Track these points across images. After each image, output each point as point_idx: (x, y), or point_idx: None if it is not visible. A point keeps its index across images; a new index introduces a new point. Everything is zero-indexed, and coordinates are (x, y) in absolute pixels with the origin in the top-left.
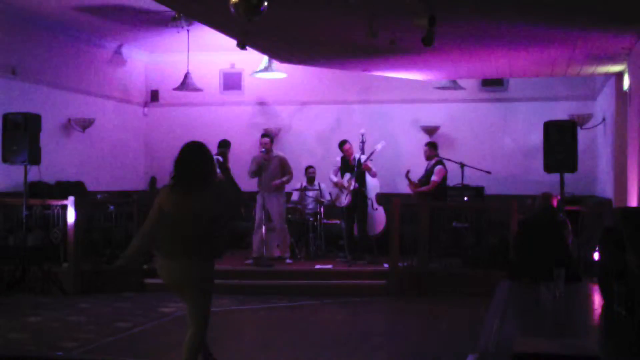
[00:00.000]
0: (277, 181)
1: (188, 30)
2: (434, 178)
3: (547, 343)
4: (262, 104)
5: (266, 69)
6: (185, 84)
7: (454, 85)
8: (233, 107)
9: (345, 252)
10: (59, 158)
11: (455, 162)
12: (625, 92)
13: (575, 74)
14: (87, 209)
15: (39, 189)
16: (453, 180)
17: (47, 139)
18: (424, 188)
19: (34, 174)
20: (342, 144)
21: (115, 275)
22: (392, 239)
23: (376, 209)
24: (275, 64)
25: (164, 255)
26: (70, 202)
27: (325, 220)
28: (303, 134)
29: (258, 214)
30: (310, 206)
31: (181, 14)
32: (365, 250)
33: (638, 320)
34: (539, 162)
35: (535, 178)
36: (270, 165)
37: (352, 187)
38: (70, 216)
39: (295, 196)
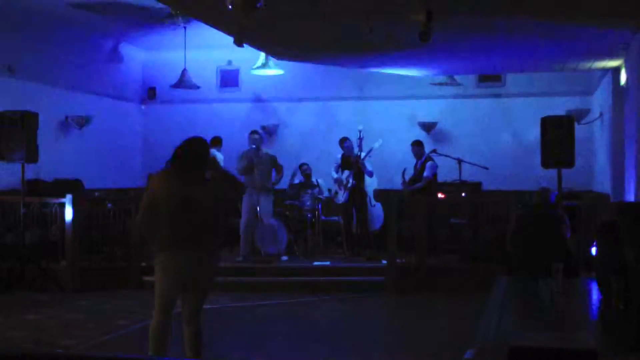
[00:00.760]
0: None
1: (185, 28)
2: (426, 174)
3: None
4: (259, 100)
5: (263, 66)
6: (183, 81)
7: (451, 81)
8: (230, 104)
9: (342, 248)
10: (57, 156)
11: (453, 158)
12: (622, 87)
13: (573, 69)
14: (85, 207)
15: (37, 186)
16: (450, 176)
17: (45, 136)
18: (417, 185)
19: (31, 171)
20: (342, 141)
21: (113, 273)
22: (389, 235)
23: (374, 205)
24: (272, 60)
25: (169, 247)
26: (68, 199)
27: (323, 217)
28: (300, 130)
29: (246, 213)
30: (308, 203)
31: (178, 11)
32: (363, 247)
33: (635, 314)
34: (536, 157)
35: (533, 173)
36: (262, 164)
37: (349, 185)
38: (68, 214)
39: (292, 193)
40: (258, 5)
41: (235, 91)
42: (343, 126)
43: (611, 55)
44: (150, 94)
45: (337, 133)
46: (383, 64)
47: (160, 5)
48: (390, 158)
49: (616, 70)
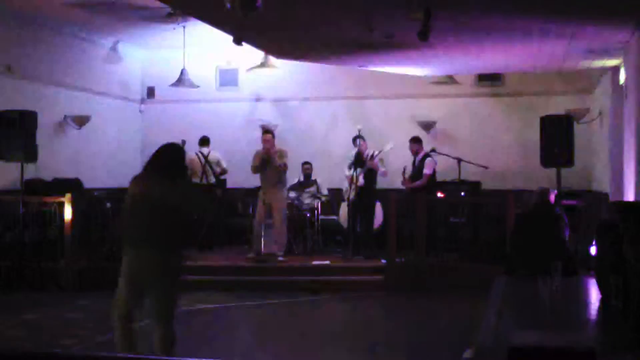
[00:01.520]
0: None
1: (184, 27)
2: (426, 171)
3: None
4: (258, 100)
5: (262, 65)
6: (182, 81)
7: (450, 80)
8: (229, 104)
9: (342, 248)
10: (56, 155)
11: (452, 157)
12: (621, 86)
13: (572, 68)
14: (84, 206)
15: (36, 186)
16: (450, 175)
17: (44, 136)
18: (417, 183)
19: (30, 171)
20: (355, 138)
21: (112, 272)
22: (389, 234)
23: (373, 204)
24: (272, 60)
25: (127, 245)
26: (67, 199)
27: (322, 216)
28: (299, 129)
29: (259, 210)
30: (307, 202)
31: (177, 10)
32: (363, 246)
33: (634, 313)
34: (535, 156)
35: (532, 173)
36: (273, 160)
37: (359, 184)
38: (67, 213)
39: (291, 192)
40: (257, 4)
41: (234, 90)
42: (342, 125)
43: (610, 55)
44: (149, 93)
45: (336, 132)
46: (382, 63)
47: (160, 4)
48: (389, 157)
49: (615, 70)
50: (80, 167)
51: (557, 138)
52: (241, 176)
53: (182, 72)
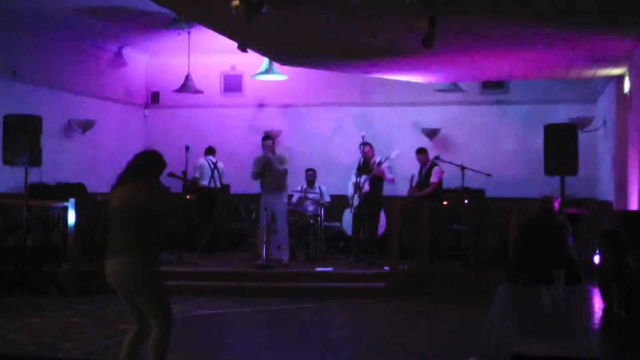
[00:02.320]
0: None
1: (189, 32)
2: (433, 179)
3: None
4: (262, 106)
5: (267, 71)
6: (186, 86)
7: (454, 87)
8: (233, 110)
9: (345, 254)
10: (60, 160)
11: (456, 165)
12: (625, 95)
13: (576, 76)
14: (88, 211)
15: (40, 190)
16: (453, 182)
17: (48, 140)
18: (425, 191)
19: (34, 175)
20: (361, 145)
21: None
22: (392, 241)
23: (378, 211)
24: (276, 66)
25: (107, 253)
26: (70, 203)
27: (325, 223)
28: (303, 136)
29: (262, 216)
30: (310, 208)
31: (182, 16)
32: (366, 253)
33: (637, 322)
34: (539, 165)
35: (536, 181)
36: (273, 166)
37: (364, 190)
38: (71, 217)
39: (294, 199)
40: (262, 11)
41: (238, 96)
42: (346, 132)
43: (615, 63)
44: (153, 98)
45: (340, 139)
46: (386, 70)
47: (165, 10)
48: (394, 165)
49: (620, 78)
50: (84, 172)
51: (561, 146)
52: (244, 182)
53: (186, 78)
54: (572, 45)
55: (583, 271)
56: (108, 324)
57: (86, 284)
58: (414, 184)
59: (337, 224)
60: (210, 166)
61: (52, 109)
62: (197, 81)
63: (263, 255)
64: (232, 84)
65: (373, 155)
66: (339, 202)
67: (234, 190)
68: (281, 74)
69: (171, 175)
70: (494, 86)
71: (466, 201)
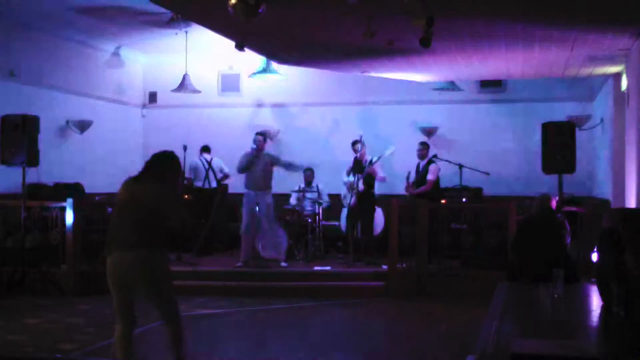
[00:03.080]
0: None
1: (186, 32)
2: (430, 177)
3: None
4: (260, 105)
5: (264, 71)
6: (184, 86)
7: (452, 86)
8: (231, 109)
9: (343, 253)
10: (58, 160)
11: (454, 164)
12: (623, 93)
13: (573, 75)
14: (86, 211)
15: (38, 190)
16: (451, 181)
17: (46, 140)
18: (422, 189)
19: (32, 175)
20: (354, 143)
21: None
22: (390, 240)
23: (374, 210)
24: (274, 65)
25: (108, 248)
26: (68, 203)
27: (323, 222)
28: (301, 135)
29: (246, 215)
30: (309, 207)
31: (179, 16)
32: (364, 252)
33: (636, 321)
34: (537, 163)
35: (534, 179)
36: (260, 163)
37: (359, 189)
38: (69, 218)
39: (293, 198)
40: (259, 10)
41: (236, 96)
42: (344, 131)
43: (612, 61)
44: (151, 98)
45: (339, 138)
46: (384, 69)
47: (162, 9)
48: (390, 163)
49: (617, 76)
50: (82, 172)
51: (559, 144)
52: (242, 181)
53: (184, 78)
54: (569, 44)
55: (581, 270)
56: (107, 324)
57: (85, 285)
58: (410, 180)
59: (336, 223)
60: (204, 166)
61: (49, 109)
62: (195, 81)
63: (245, 257)
64: (229, 83)
65: (365, 154)
66: (337, 202)
67: (232, 190)
68: (279, 73)
69: None
70: (492, 85)
71: (464, 200)
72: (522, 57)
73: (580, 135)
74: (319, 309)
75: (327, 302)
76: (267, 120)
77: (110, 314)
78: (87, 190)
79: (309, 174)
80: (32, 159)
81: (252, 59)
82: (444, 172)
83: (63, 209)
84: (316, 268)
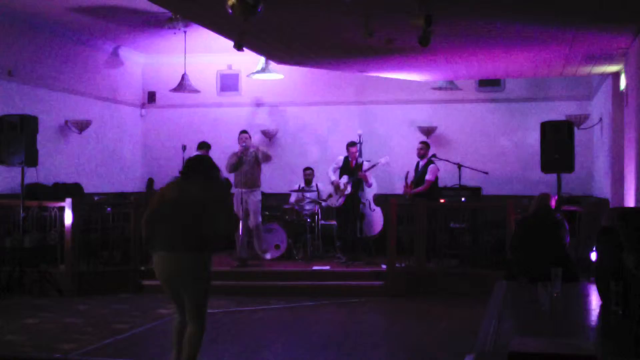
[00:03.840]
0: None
1: (185, 32)
2: (428, 177)
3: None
4: (259, 105)
5: (263, 70)
6: (183, 86)
7: (451, 85)
8: (230, 109)
9: (342, 253)
10: (56, 160)
11: (453, 163)
12: (621, 92)
13: (572, 74)
14: (84, 211)
15: (36, 190)
16: (450, 180)
17: (44, 140)
18: (419, 189)
19: (31, 175)
20: (350, 145)
21: (112, 277)
22: (389, 240)
23: (373, 209)
24: (272, 65)
25: (157, 247)
26: (67, 203)
27: (322, 221)
28: (300, 135)
29: (239, 211)
30: (308, 207)
31: (178, 15)
32: (362, 251)
33: (635, 320)
34: (536, 162)
35: (532, 178)
36: (248, 160)
37: (346, 192)
38: (68, 218)
39: (292, 197)
40: (258, 9)
41: (235, 95)
42: (343, 130)
43: (610, 61)
44: (150, 98)
45: (337, 137)
46: (383, 68)
47: (161, 9)
48: (390, 162)
49: (616, 75)
50: (80, 172)
51: (558, 143)
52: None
53: (182, 77)
54: (568, 43)
55: (580, 269)
56: (105, 324)
57: (83, 285)
58: (409, 180)
59: (334, 222)
60: None
61: (48, 109)
62: (194, 80)
63: (242, 254)
64: (228, 83)
65: (357, 157)
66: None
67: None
68: (278, 73)
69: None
70: (490, 84)
71: (463, 199)
72: (520, 56)
73: (579, 135)
74: (318, 309)
75: (326, 302)
76: (265, 119)
77: (108, 313)
78: (85, 190)
79: (309, 173)
80: (31, 159)
81: (251, 59)
82: (442, 172)
83: (62, 209)
84: (315, 267)
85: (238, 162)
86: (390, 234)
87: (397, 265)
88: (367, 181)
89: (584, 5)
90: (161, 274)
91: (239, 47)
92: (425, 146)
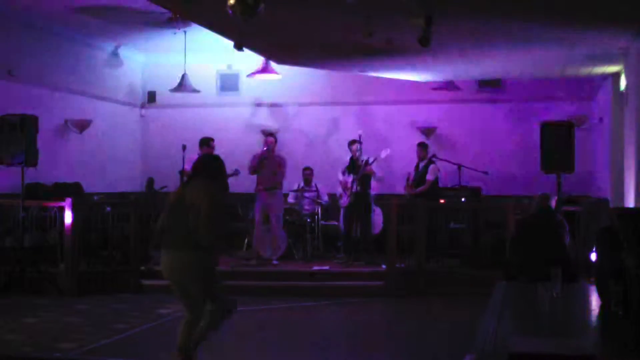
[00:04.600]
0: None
1: (185, 32)
2: (428, 177)
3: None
4: (259, 105)
5: (263, 70)
6: (183, 85)
7: (451, 86)
8: (230, 108)
9: (342, 253)
10: (56, 159)
11: (453, 163)
12: (622, 93)
13: (572, 74)
14: (84, 211)
15: (36, 190)
16: (450, 181)
17: (44, 140)
18: (420, 189)
19: (31, 175)
20: (351, 143)
21: (112, 277)
22: (389, 240)
23: (373, 210)
24: (272, 65)
25: (162, 247)
26: (67, 203)
27: (322, 222)
28: (300, 135)
29: (258, 213)
30: (308, 207)
31: (178, 15)
32: (363, 251)
33: (635, 320)
34: (535, 162)
35: (532, 179)
36: (270, 164)
37: (353, 189)
38: (68, 218)
39: (291, 197)
40: (258, 10)
41: (235, 95)
42: (343, 131)
43: (611, 61)
44: (150, 97)
45: (337, 137)
46: (383, 68)
47: (161, 9)
48: (389, 162)
49: (616, 76)
50: (80, 172)
51: (558, 144)
52: (241, 180)
53: (182, 77)
54: (568, 44)
55: (580, 269)
56: (105, 324)
57: (83, 284)
58: (410, 181)
59: (335, 222)
60: None
61: (48, 108)
62: (194, 80)
63: (260, 254)
64: (228, 83)
65: (361, 154)
66: (336, 201)
67: (231, 189)
68: (277, 73)
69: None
70: (490, 84)
71: (463, 199)
72: (521, 56)
73: (579, 135)
74: (318, 309)
75: (326, 302)
76: (265, 119)
77: (108, 313)
78: (85, 190)
79: (308, 173)
80: (31, 159)
81: (251, 59)
82: (443, 172)
83: (61, 209)
84: (315, 268)
85: (258, 165)
86: (391, 234)
87: (397, 265)
88: (374, 174)
89: (585, 6)
90: (163, 272)
91: (238, 47)
92: (422, 148)
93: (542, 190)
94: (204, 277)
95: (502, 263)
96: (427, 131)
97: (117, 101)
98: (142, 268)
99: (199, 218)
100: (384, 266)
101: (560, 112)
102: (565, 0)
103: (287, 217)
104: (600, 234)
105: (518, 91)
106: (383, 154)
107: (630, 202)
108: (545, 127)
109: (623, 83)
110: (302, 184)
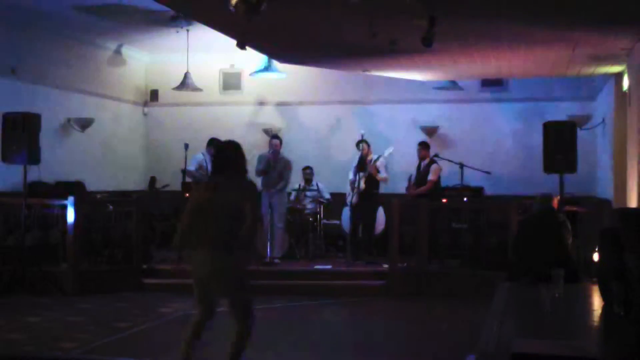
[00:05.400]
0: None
1: (188, 30)
2: (431, 177)
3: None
4: (261, 103)
5: (266, 69)
6: (185, 84)
7: (454, 85)
8: (233, 107)
9: (344, 252)
10: (59, 158)
11: (455, 163)
12: (624, 93)
13: (575, 74)
14: (87, 209)
15: (39, 188)
16: (452, 180)
17: (47, 138)
18: (422, 189)
19: (33, 173)
20: (358, 143)
21: (114, 275)
22: (391, 240)
23: (375, 209)
24: (275, 64)
25: (194, 248)
26: (69, 202)
27: (324, 221)
28: (302, 134)
29: (266, 214)
30: (310, 206)
31: (181, 14)
32: (365, 251)
33: (637, 320)
34: (538, 162)
35: (535, 179)
36: (277, 166)
37: (360, 188)
38: (70, 216)
39: (293, 197)
40: (261, 8)
41: (237, 94)
42: (345, 130)
43: (613, 61)
44: (152, 96)
45: (340, 137)
46: (386, 68)
47: (164, 7)
48: (391, 162)
49: (619, 76)
50: (83, 170)
51: (560, 144)
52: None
53: (185, 76)
54: (571, 44)
55: (582, 269)
56: (107, 323)
57: (85, 283)
58: (412, 181)
59: (336, 221)
60: (206, 161)
61: (51, 107)
62: (196, 79)
63: (268, 254)
64: (231, 81)
65: (370, 154)
66: (338, 200)
67: None
68: (280, 72)
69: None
70: (493, 84)
71: (465, 199)
72: (524, 56)
73: (582, 135)
74: (320, 308)
75: (328, 301)
76: (268, 118)
77: (109, 312)
78: (88, 189)
79: (308, 172)
80: (33, 157)
81: (254, 58)
82: (445, 172)
83: (64, 207)
84: (317, 267)
85: (266, 167)
86: (393, 234)
87: (399, 265)
88: (376, 175)
89: (588, 6)
90: (194, 273)
91: (241, 46)
92: (423, 148)
93: (545, 191)
94: (242, 277)
95: (504, 263)
96: (430, 131)
97: (119, 100)
98: (144, 267)
99: (245, 220)
100: (386, 266)
101: (563, 112)
102: (569, 1)
103: (289, 217)
104: (602, 235)
105: (521, 91)
106: (387, 152)
107: (632, 203)
108: (548, 127)
109: (626, 83)
110: (302, 183)
